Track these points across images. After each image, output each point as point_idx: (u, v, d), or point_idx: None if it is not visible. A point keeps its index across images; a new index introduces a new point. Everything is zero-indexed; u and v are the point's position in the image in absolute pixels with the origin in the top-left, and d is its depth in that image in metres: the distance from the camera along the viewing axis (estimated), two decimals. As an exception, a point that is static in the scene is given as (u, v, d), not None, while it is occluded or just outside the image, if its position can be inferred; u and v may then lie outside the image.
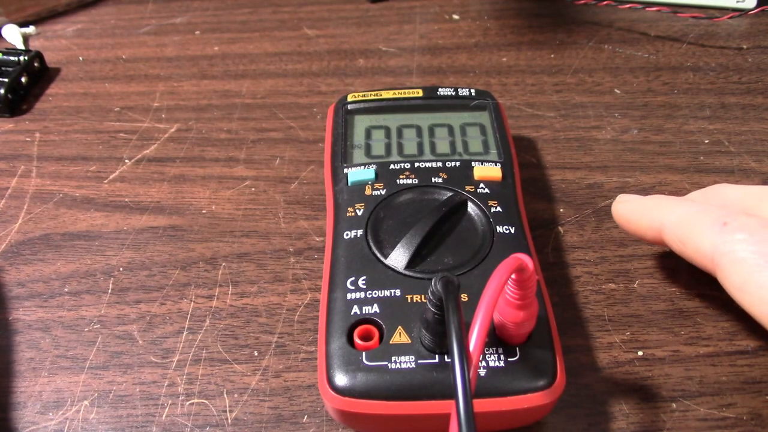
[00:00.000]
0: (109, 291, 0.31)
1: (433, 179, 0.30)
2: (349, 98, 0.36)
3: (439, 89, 0.35)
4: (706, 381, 0.27)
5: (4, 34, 0.49)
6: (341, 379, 0.23)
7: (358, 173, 0.31)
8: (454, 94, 0.35)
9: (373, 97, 0.35)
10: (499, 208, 0.29)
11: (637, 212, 0.28)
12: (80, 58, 0.48)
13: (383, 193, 0.30)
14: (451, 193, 0.29)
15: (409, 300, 0.25)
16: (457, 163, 0.31)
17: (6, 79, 0.42)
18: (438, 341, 0.23)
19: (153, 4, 0.54)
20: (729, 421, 0.25)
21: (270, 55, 0.48)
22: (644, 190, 0.35)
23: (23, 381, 0.28)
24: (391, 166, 0.31)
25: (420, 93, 0.35)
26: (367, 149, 0.33)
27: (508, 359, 0.23)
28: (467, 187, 0.30)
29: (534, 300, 0.23)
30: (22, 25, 0.50)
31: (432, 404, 0.23)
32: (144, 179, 0.37)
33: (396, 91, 0.36)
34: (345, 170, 0.31)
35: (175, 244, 0.33)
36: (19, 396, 0.27)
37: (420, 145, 0.33)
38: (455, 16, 0.52)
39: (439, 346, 0.23)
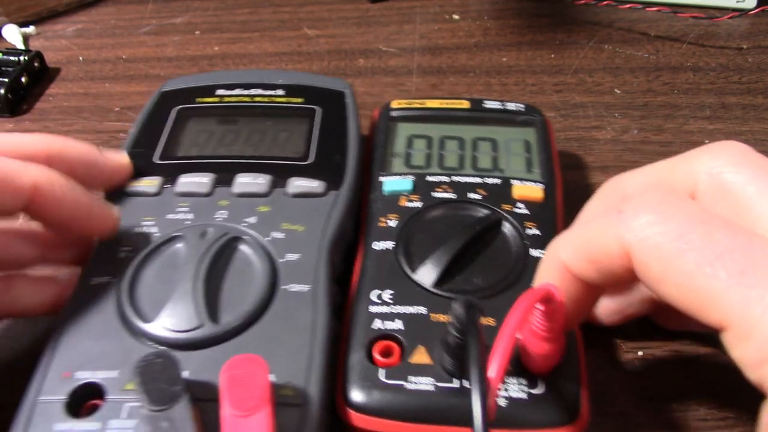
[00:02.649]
0: (109, 291, 0.31)
1: (470, 195, 0.29)
2: (393, 105, 0.35)
3: (487, 102, 0.34)
4: (706, 381, 0.27)
5: (4, 34, 0.49)
6: (356, 395, 0.23)
7: (395, 183, 0.30)
8: (501, 107, 0.34)
9: (417, 106, 0.35)
10: (536, 231, 0.28)
11: (540, 276, 0.23)
12: (80, 58, 0.48)
13: (418, 205, 0.29)
14: (487, 211, 0.28)
15: (433, 319, 0.25)
16: (497, 180, 0.30)
17: (6, 79, 0.42)
18: (459, 366, 0.22)
19: (153, 4, 0.54)
20: (729, 421, 0.25)
21: (270, 55, 0.48)
22: (644, 190, 0.35)
23: (23, 381, 0.27)
24: (429, 178, 0.30)
25: (466, 104, 0.34)
26: (407, 158, 0.32)
27: (532, 391, 0.22)
28: (504, 206, 0.29)
29: (561, 334, 0.22)
30: (22, 25, 0.50)
31: (448, 430, 0.22)
32: (144, 179, 0.37)
33: (442, 101, 0.35)
34: (381, 178, 0.30)
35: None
36: (20, 396, 0.27)
37: (461, 158, 0.32)
38: (455, 16, 0.52)
39: (460, 371, 0.23)
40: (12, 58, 0.44)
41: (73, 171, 0.26)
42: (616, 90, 0.43)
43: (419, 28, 0.50)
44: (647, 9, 0.49)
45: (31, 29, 0.50)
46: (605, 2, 0.49)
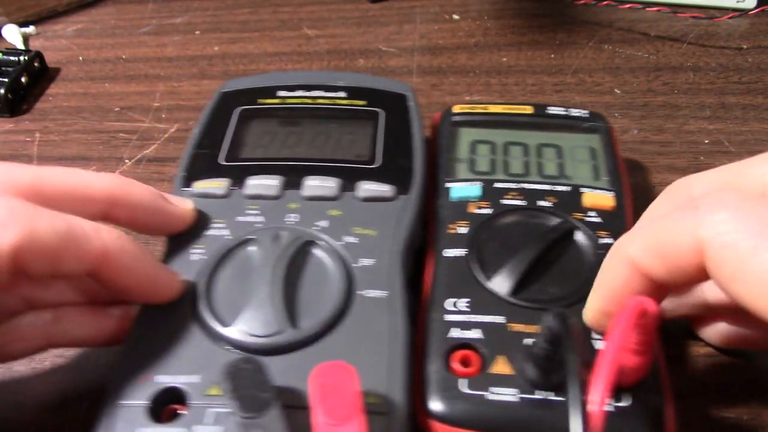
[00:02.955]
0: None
1: (540, 202, 0.29)
2: (455, 110, 0.34)
3: (550, 108, 0.34)
4: (706, 381, 0.27)
5: (4, 34, 0.49)
6: (437, 405, 0.23)
7: (463, 189, 0.30)
8: (565, 113, 0.34)
9: (480, 110, 0.34)
10: (609, 240, 0.27)
11: (604, 271, 0.23)
12: (80, 58, 0.48)
13: (487, 212, 0.29)
14: (559, 219, 0.28)
15: (512, 329, 0.24)
16: (567, 188, 0.29)
17: (6, 79, 0.42)
18: (545, 377, 0.22)
19: (153, 4, 0.54)
20: (729, 421, 0.25)
21: (270, 55, 0.48)
22: (644, 190, 0.35)
23: (23, 381, 0.28)
24: (497, 185, 0.30)
25: (530, 110, 0.34)
26: (471, 164, 0.31)
27: (618, 404, 0.22)
28: (576, 214, 0.28)
29: (650, 347, 0.22)
30: (22, 25, 0.50)
31: None
32: (144, 179, 0.37)
33: (504, 106, 0.34)
34: (447, 184, 0.30)
35: (175, 244, 0.33)
36: (20, 396, 0.27)
37: (527, 165, 0.31)
38: (455, 16, 0.52)
39: (545, 382, 0.22)
40: (12, 58, 0.44)
41: (134, 216, 0.26)
42: (616, 90, 0.43)
43: (419, 28, 0.50)
44: (647, 9, 0.49)
45: (31, 29, 0.50)
46: (605, 2, 0.49)
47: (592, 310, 0.24)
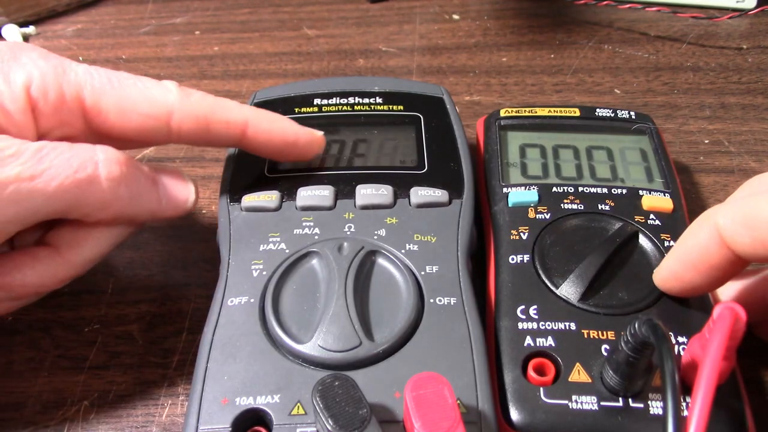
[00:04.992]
0: (109, 291, 0.31)
1: (599, 206, 0.29)
2: (502, 113, 0.34)
3: (597, 110, 0.34)
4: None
5: (4, 34, 0.49)
6: (520, 415, 0.22)
7: (520, 194, 0.29)
8: (612, 115, 0.33)
9: (527, 114, 0.34)
10: (672, 243, 0.27)
11: (687, 235, 0.23)
12: (80, 58, 0.48)
13: (548, 217, 0.28)
14: (621, 223, 0.28)
15: (585, 335, 0.24)
16: (624, 191, 0.29)
17: (6, 79, 0.42)
18: (627, 384, 0.22)
19: (153, 4, 0.54)
20: None
21: (270, 55, 0.48)
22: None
23: (23, 381, 0.28)
24: (554, 189, 0.29)
25: (577, 112, 0.34)
26: (523, 168, 0.31)
27: None
28: (636, 218, 0.28)
29: (735, 352, 0.21)
30: (22, 25, 0.50)
31: None
32: (144, 179, 0.37)
33: (551, 109, 0.34)
34: (505, 190, 0.30)
35: (175, 244, 0.33)
36: (19, 396, 0.27)
37: (579, 168, 0.31)
38: (455, 16, 0.52)
39: (627, 389, 0.22)
40: (12, 58, 0.44)
41: (269, 138, 0.28)
42: (616, 90, 0.43)
43: (419, 28, 0.50)
44: (647, 9, 0.49)
45: (31, 29, 0.50)
46: (605, 2, 0.49)
47: (665, 270, 0.24)
